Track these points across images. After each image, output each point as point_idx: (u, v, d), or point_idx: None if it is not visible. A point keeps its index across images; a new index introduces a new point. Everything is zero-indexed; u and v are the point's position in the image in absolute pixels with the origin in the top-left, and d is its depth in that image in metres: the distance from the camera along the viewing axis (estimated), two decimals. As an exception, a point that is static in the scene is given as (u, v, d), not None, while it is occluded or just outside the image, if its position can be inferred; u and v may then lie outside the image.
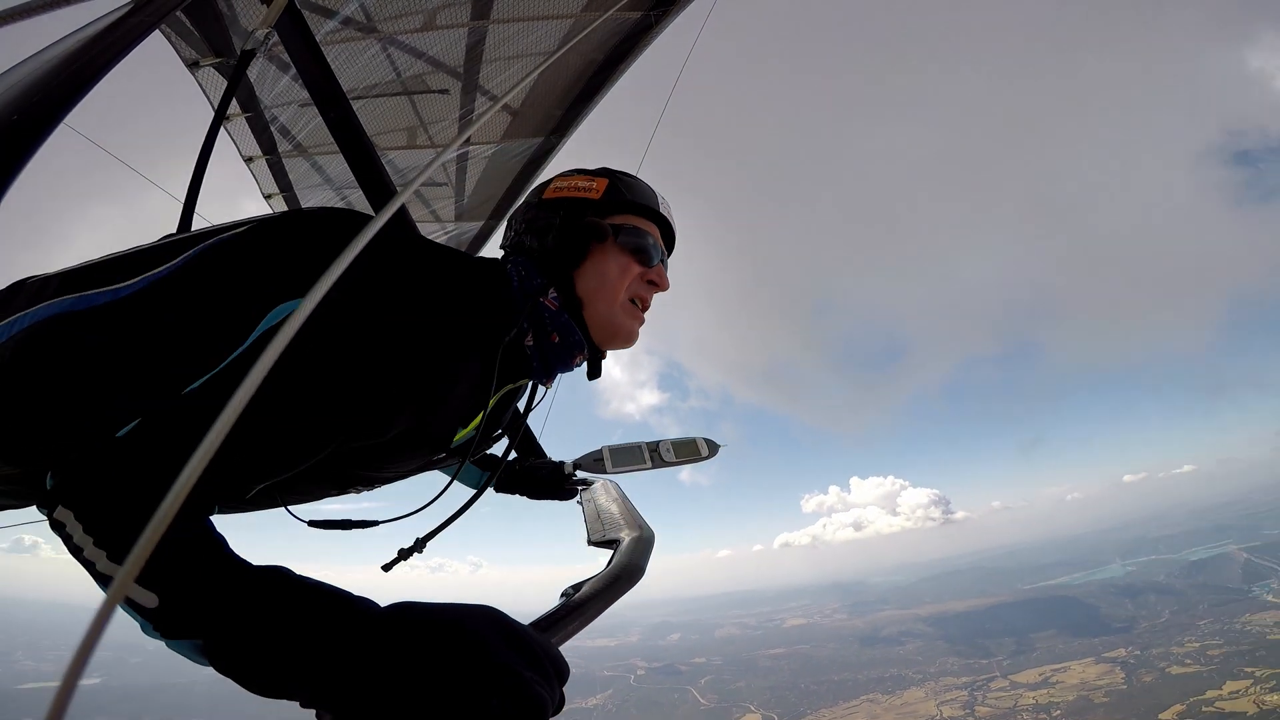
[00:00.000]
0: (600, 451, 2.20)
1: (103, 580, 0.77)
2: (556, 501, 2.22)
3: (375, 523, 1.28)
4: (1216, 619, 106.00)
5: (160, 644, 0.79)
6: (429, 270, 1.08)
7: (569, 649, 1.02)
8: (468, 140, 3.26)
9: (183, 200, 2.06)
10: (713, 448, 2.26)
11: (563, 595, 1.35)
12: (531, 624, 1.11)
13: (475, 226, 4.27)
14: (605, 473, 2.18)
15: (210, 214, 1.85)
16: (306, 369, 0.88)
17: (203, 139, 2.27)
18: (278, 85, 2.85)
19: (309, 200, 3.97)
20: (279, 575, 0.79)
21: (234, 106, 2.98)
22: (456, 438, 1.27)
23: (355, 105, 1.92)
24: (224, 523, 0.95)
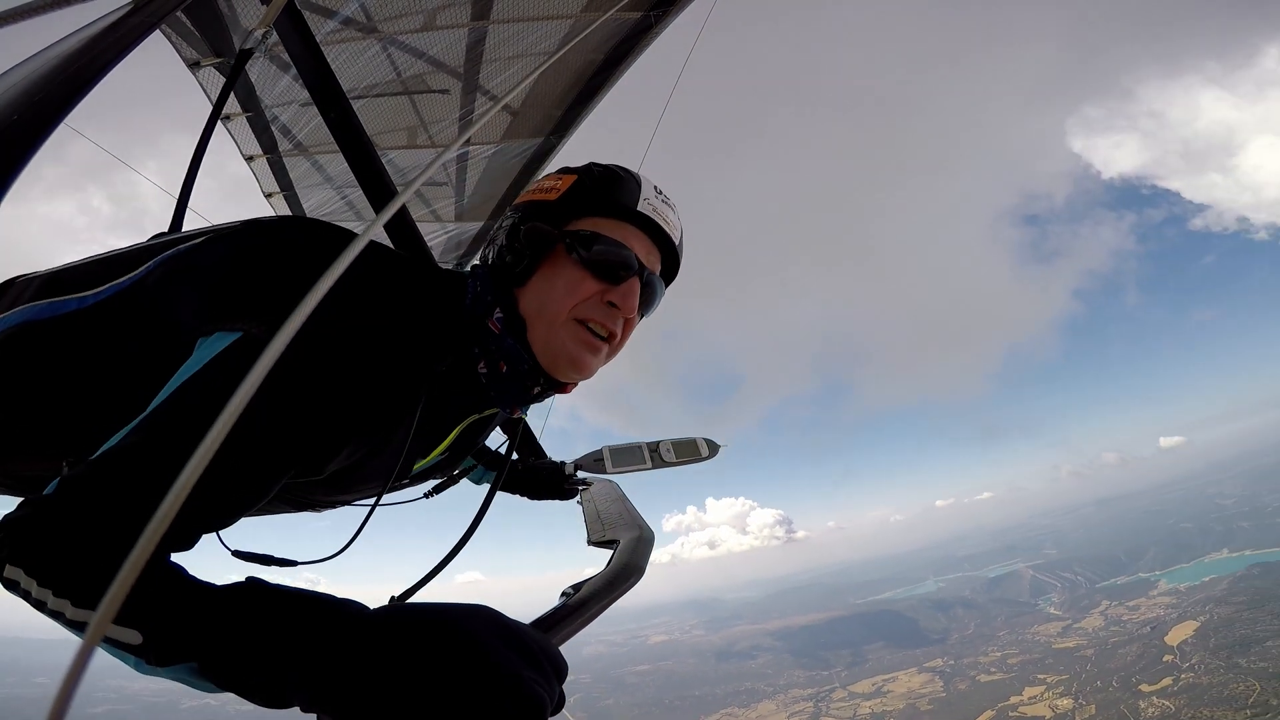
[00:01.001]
0: (600, 452, 2.21)
1: (76, 627, 0.73)
2: (557, 501, 2.23)
3: (295, 563, 1.19)
4: (1012, 630, 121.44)
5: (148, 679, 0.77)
6: (368, 296, 0.98)
7: (570, 649, 1.02)
8: (468, 140, 3.25)
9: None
10: (713, 448, 2.27)
11: (563, 595, 1.36)
12: (531, 623, 1.11)
13: (475, 226, 4.27)
14: (605, 473, 2.19)
15: (210, 213, 1.86)
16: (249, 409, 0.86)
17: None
18: (278, 85, 2.85)
19: (309, 199, 3.97)
20: (258, 586, 0.78)
21: (235, 106, 2.98)
22: (416, 466, 1.23)
23: (355, 105, 1.92)
24: None
